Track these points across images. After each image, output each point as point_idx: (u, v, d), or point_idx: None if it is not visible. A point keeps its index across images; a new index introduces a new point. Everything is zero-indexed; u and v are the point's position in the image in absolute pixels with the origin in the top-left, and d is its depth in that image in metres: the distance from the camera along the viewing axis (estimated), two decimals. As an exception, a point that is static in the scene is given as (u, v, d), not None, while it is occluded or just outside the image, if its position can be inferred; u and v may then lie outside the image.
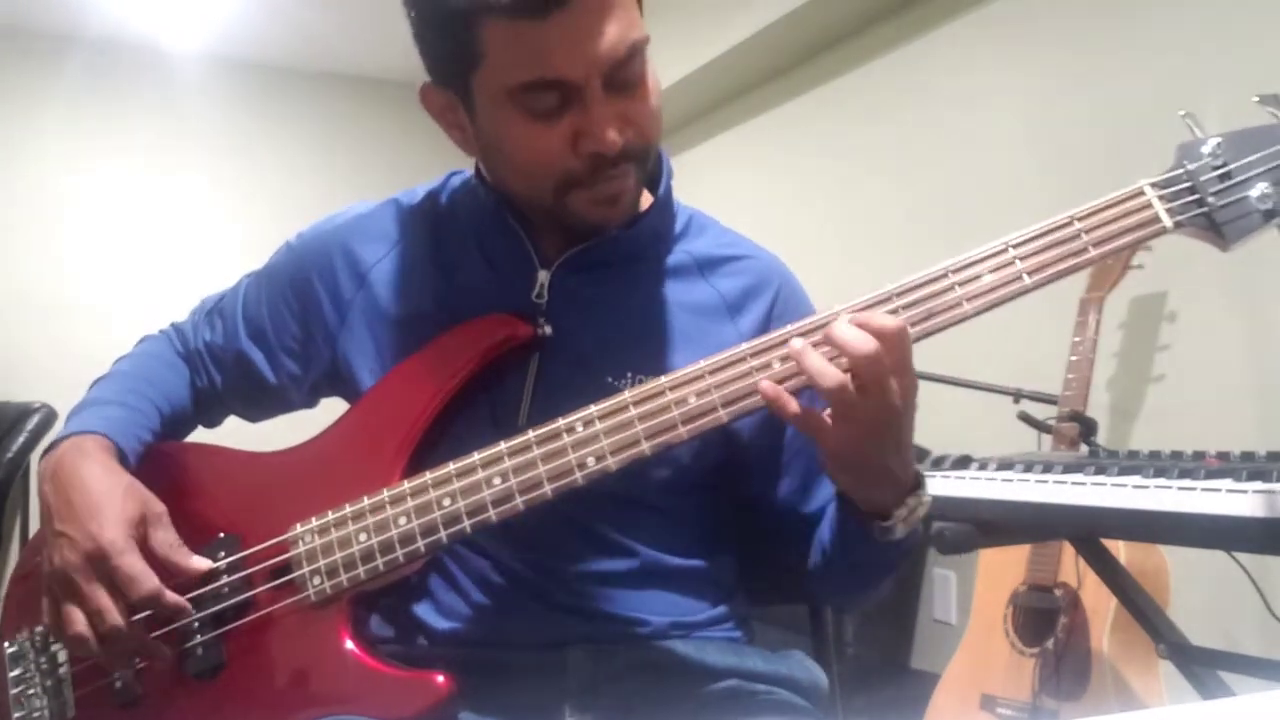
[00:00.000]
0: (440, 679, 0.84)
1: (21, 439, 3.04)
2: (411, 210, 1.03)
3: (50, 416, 3.11)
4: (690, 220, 1.04)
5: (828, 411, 0.78)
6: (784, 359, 0.80)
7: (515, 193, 0.94)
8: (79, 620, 0.86)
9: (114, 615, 0.85)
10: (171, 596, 0.88)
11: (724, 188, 3.32)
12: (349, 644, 0.87)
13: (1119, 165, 2.21)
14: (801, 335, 0.79)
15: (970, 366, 2.15)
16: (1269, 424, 1.93)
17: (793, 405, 0.78)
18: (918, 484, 0.84)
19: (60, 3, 3.76)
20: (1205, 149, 0.80)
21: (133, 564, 0.86)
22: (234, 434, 1.07)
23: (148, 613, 0.88)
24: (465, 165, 1.07)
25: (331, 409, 1.00)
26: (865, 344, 0.74)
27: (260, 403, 1.08)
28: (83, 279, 3.97)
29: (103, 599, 0.85)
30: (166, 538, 0.90)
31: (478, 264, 0.98)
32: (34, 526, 1.02)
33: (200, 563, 0.90)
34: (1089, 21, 2.35)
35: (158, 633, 0.89)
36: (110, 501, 0.87)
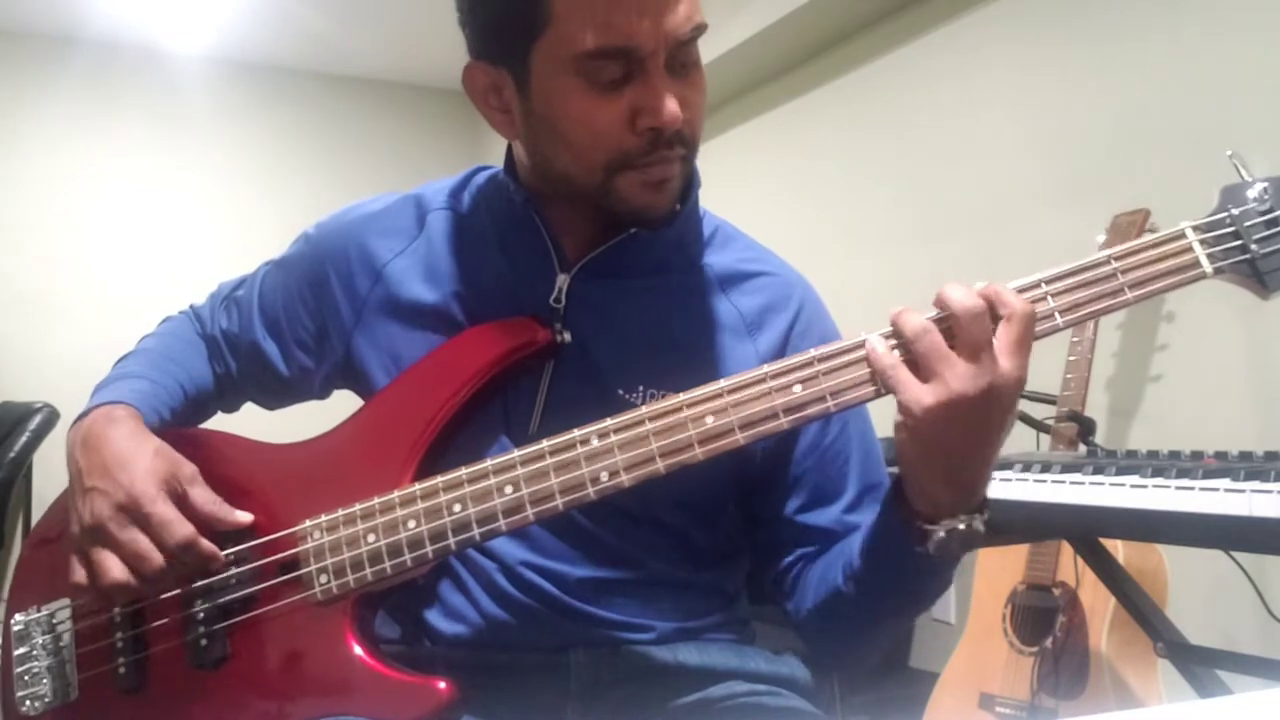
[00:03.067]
0: (442, 685, 0.83)
1: (24, 439, 3.05)
2: (432, 206, 1.02)
3: (52, 416, 3.12)
4: (717, 230, 1.02)
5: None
6: (805, 382, 0.78)
7: (562, 174, 0.90)
8: (115, 567, 0.86)
9: (157, 556, 0.86)
10: (205, 544, 0.88)
11: (724, 187, 3.31)
12: (353, 644, 0.86)
13: (1123, 165, 2.22)
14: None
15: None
16: (1266, 424, 1.94)
17: (888, 359, 0.76)
18: (980, 508, 0.79)
19: (61, 4, 3.76)
20: (1251, 193, 0.76)
21: (165, 510, 0.87)
22: (244, 426, 1.07)
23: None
24: (464, 167, 1.06)
25: (349, 400, 1.00)
26: (970, 300, 0.73)
27: (275, 392, 1.08)
28: (85, 280, 3.97)
29: (142, 542, 0.86)
30: (205, 495, 0.91)
31: (497, 263, 0.97)
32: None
33: (243, 516, 0.91)
34: (1097, 23, 2.35)
35: (159, 625, 0.90)
36: (140, 457, 0.89)
